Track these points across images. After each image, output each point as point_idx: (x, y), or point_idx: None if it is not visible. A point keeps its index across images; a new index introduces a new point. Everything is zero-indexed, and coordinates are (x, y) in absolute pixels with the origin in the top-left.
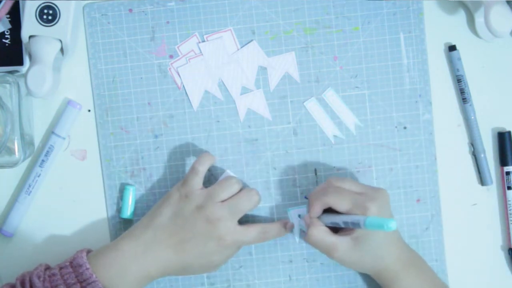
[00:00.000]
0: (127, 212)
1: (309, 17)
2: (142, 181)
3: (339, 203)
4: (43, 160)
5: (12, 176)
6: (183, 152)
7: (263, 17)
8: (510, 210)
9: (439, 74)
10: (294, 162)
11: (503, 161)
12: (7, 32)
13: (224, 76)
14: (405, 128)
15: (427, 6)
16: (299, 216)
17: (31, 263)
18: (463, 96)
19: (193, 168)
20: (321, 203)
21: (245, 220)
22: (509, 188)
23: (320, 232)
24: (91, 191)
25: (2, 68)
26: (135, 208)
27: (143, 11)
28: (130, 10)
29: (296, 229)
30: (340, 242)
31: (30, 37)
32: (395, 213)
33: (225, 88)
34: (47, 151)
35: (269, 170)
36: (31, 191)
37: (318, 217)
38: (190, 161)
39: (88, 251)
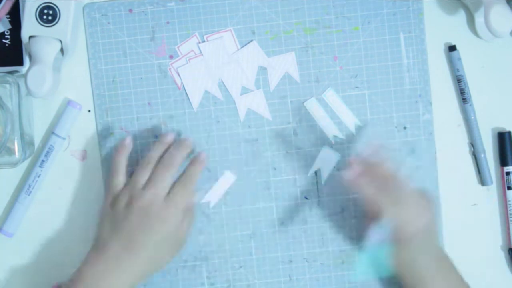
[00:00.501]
0: None
1: (309, 17)
2: None
3: (364, 189)
4: (43, 160)
5: (12, 176)
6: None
7: (263, 17)
8: (510, 210)
9: (439, 74)
10: (294, 162)
11: (503, 161)
12: (7, 32)
13: (224, 76)
14: (405, 128)
15: (427, 6)
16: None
17: (31, 263)
18: (463, 96)
19: (111, 166)
20: (360, 168)
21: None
22: (509, 188)
23: (365, 184)
24: (91, 191)
25: (2, 68)
26: None
27: (143, 11)
28: (130, 10)
29: (325, 169)
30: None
31: (30, 37)
32: None
33: (225, 88)
34: (47, 151)
35: (269, 170)
36: (31, 191)
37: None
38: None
39: (59, 286)
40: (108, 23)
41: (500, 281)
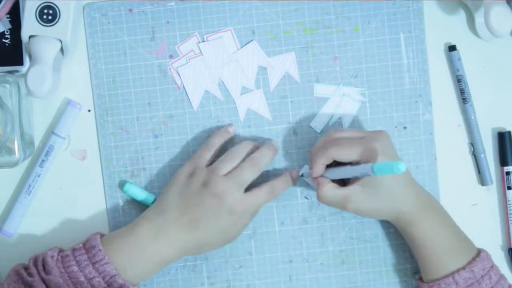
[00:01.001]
0: (144, 195)
1: (309, 17)
2: (142, 181)
3: (342, 155)
4: (43, 160)
5: (12, 176)
6: (183, 152)
7: (263, 17)
8: (510, 210)
9: (439, 74)
10: (294, 162)
11: (503, 161)
12: (7, 32)
13: (224, 76)
14: (405, 128)
15: (427, 6)
16: (302, 175)
17: None
18: (463, 96)
19: (206, 143)
20: (323, 158)
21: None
22: (509, 188)
23: (330, 189)
24: (91, 191)
25: (2, 68)
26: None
27: (143, 11)
28: (130, 10)
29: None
30: (351, 192)
31: (30, 37)
32: None
33: (225, 88)
34: (47, 151)
35: (269, 170)
36: (31, 191)
37: (325, 174)
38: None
39: (102, 235)
40: (108, 23)
41: None
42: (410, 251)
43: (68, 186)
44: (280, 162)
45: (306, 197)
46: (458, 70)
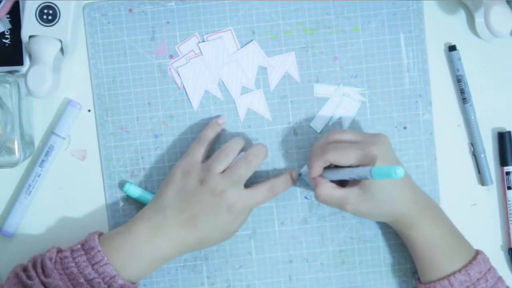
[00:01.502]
0: (144, 195)
1: (309, 17)
2: (142, 181)
3: (340, 159)
4: (43, 160)
5: (12, 176)
6: (183, 152)
7: (263, 17)
8: (510, 210)
9: (439, 74)
10: (294, 162)
11: (503, 161)
12: (7, 32)
13: (224, 76)
14: (405, 128)
15: (427, 6)
16: (300, 174)
17: None
18: (463, 96)
19: (198, 138)
20: (321, 161)
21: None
22: (509, 188)
23: (328, 188)
24: (91, 191)
25: (2, 68)
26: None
27: (143, 11)
28: (130, 10)
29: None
30: (349, 194)
31: (30, 37)
32: None
33: (225, 88)
34: (47, 151)
35: (269, 170)
36: (31, 191)
37: (324, 174)
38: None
39: (100, 234)
40: (108, 23)
41: None
42: None
43: (68, 186)
44: (280, 162)
45: (306, 197)
46: (458, 70)
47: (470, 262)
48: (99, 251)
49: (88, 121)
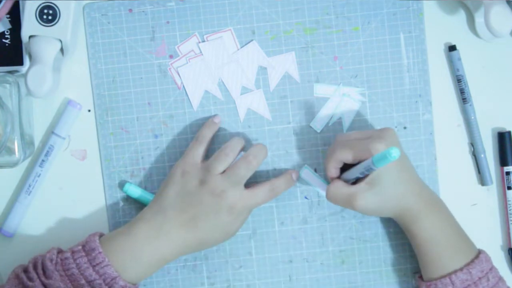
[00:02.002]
0: (144, 195)
1: (309, 17)
2: (142, 181)
3: (346, 155)
4: (43, 160)
5: (12, 176)
6: (183, 152)
7: (263, 17)
8: (510, 210)
9: (439, 74)
10: (294, 162)
11: (503, 161)
12: (7, 32)
13: (224, 76)
14: (405, 128)
15: (427, 6)
16: (300, 175)
17: None
18: (463, 96)
19: (196, 138)
20: (333, 161)
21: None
22: (509, 188)
23: (337, 186)
24: (91, 191)
25: (2, 68)
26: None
27: (143, 11)
28: (130, 10)
29: (316, 184)
30: (357, 190)
31: (30, 37)
32: None
33: (225, 88)
34: (47, 151)
35: (269, 170)
36: (31, 191)
37: (342, 177)
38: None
39: (101, 235)
40: (108, 23)
41: None
42: (410, 251)
43: (68, 186)
44: (280, 162)
45: (306, 197)
46: (458, 70)
47: (472, 261)
48: (100, 252)
49: (88, 121)
